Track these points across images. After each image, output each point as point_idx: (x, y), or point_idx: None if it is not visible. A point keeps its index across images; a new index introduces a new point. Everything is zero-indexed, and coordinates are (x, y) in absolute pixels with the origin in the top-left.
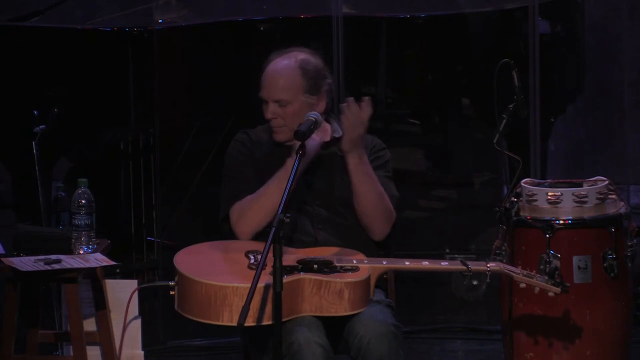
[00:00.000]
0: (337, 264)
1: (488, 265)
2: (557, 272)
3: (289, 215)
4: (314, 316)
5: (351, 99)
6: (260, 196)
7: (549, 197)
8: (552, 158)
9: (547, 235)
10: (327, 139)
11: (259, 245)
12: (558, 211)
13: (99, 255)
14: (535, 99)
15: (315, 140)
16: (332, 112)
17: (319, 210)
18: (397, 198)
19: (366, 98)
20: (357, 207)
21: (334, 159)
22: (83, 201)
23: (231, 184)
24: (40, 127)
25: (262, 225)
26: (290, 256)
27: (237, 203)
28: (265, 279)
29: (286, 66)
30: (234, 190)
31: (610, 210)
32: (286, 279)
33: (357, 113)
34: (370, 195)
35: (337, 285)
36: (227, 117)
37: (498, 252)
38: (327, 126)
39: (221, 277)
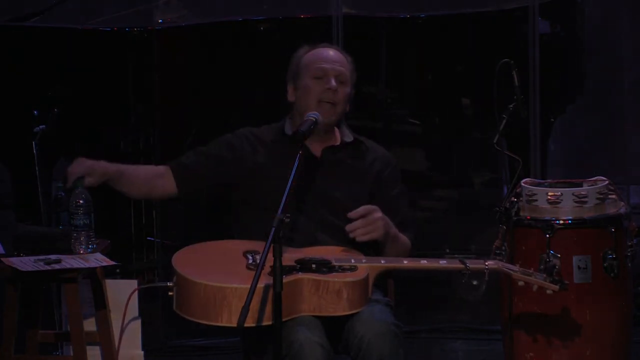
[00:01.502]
0: (335, 264)
1: (486, 263)
2: (555, 269)
3: (288, 215)
4: (313, 316)
5: (351, 227)
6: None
7: (549, 197)
8: (552, 158)
9: (547, 235)
10: (336, 143)
11: (257, 245)
12: (558, 211)
13: (99, 255)
14: (535, 99)
15: None
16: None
17: (321, 212)
18: (413, 238)
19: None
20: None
21: (342, 165)
22: (81, 201)
23: (192, 152)
24: (40, 127)
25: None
26: (288, 256)
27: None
28: (264, 279)
29: (341, 52)
30: (183, 157)
31: (610, 210)
32: (284, 279)
33: (368, 219)
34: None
35: (335, 284)
36: (227, 117)
37: (498, 252)
38: (337, 131)
39: (220, 277)
